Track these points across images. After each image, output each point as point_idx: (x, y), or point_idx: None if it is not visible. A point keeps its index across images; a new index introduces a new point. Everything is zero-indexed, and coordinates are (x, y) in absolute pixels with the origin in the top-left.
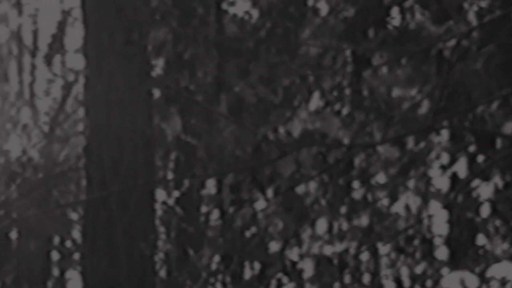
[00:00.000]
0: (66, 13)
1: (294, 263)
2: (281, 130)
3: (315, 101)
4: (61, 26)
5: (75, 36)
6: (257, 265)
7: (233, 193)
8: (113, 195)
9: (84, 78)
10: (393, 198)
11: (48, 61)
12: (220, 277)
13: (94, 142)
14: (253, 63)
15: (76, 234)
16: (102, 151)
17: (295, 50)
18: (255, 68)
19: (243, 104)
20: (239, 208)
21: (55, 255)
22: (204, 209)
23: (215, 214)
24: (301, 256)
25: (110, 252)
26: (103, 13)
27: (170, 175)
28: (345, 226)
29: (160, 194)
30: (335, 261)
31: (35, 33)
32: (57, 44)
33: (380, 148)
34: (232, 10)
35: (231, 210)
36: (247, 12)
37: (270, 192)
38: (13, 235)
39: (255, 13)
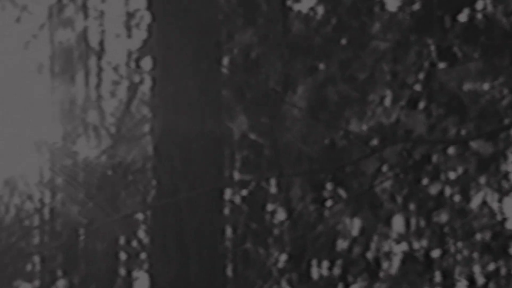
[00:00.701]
0: (131, 15)
1: (376, 262)
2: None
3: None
4: (127, 28)
5: (140, 37)
6: (326, 264)
7: (314, 191)
8: (183, 197)
9: (150, 79)
10: (469, 195)
11: (114, 63)
12: (288, 276)
13: (164, 143)
14: (323, 59)
15: (142, 234)
16: (172, 151)
17: (365, 46)
18: (326, 65)
19: (316, 101)
20: (320, 207)
21: (122, 255)
22: (270, 207)
23: (282, 213)
24: (380, 254)
25: (180, 252)
26: (171, 14)
27: (236, 175)
28: (422, 223)
29: (227, 192)
30: (413, 259)
31: (101, 36)
32: (122, 46)
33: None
34: (297, 7)
35: (300, 208)
36: (312, 9)
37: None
38: (81, 235)
39: (320, 10)
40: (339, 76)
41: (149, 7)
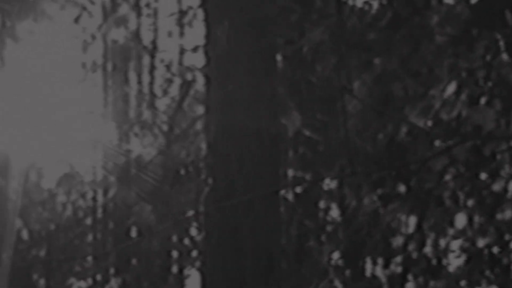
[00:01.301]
0: (184, 13)
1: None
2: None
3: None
4: (180, 26)
5: (192, 35)
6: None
7: (378, 188)
8: (238, 193)
9: (203, 77)
10: None
11: (167, 60)
12: (342, 274)
13: (219, 141)
14: (379, 54)
15: (193, 231)
16: (228, 149)
17: (422, 40)
18: (382, 60)
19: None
20: (385, 204)
21: (174, 253)
22: (323, 204)
23: (336, 210)
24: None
25: (235, 250)
26: (226, 11)
27: (291, 172)
28: (484, 220)
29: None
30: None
31: (154, 34)
32: (175, 43)
33: None
34: (351, 1)
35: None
36: (366, 3)
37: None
38: (133, 233)
39: (374, 4)
40: (398, 71)
41: (203, 5)
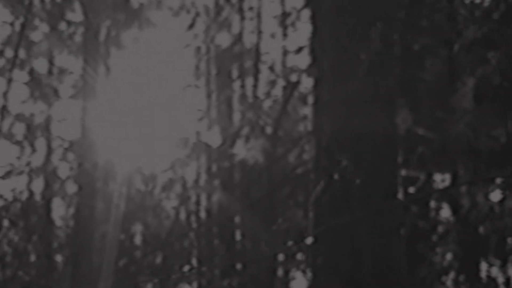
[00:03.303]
0: (287, 15)
1: None
2: None
3: None
4: (283, 27)
5: (295, 36)
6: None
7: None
8: (355, 197)
9: (310, 77)
10: None
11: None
12: (456, 275)
13: (334, 142)
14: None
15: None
16: (342, 151)
17: None
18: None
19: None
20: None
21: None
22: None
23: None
24: None
25: (353, 252)
26: (335, 10)
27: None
28: None
29: None
30: None
31: (257, 36)
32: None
33: None
34: None
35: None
36: None
37: None
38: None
39: None
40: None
41: (309, 5)
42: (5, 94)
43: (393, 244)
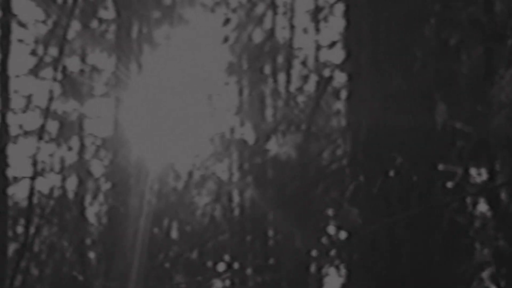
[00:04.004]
0: (320, 9)
1: None
2: None
3: None
4: (315, 22)
5: (328, 31)
6: None
7: None
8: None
9: (344, 72)
10: None
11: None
12: (493, 270)
13: (371, 136)
14: None
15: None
16: (381, 146)
17: None
18: None
19: None
20: None
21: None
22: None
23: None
24: None
25: (391, 248)
26: (372, 5)
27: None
28: None
29: None
30: None
31: (290, 32)
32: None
33: None
34: None
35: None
36: None
37: None
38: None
39: None
40: None
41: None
42: (50, 94)
43: (431, 239)
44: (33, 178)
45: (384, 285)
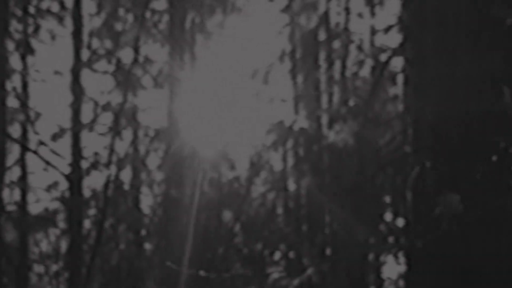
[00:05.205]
0: None
1: None
2: None
3: None
4: (370, 6)
5: (383, 15)
6: None
7: None
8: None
9: (401, 56)
10: None
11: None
12: None
13: (438, 122)
14: None
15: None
16: (448, 133)
17: None
18: None
19: None
20: None
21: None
22: None
23: None
24: None
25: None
26: None
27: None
28: None
29: None
30: None
31: (344, 17)
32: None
33: None
34: None
35: None
36: None
37: None
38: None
39: None
40: None
41: None
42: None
43: (505, 232)
44: (108, 168)
45: (450, 275)
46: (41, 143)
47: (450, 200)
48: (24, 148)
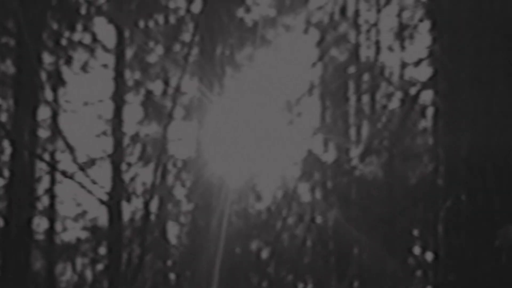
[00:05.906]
0: (404, 26)
1: None
2: None
3: None
4: (400, 40)
5: (413, 48)
6: None
7: None
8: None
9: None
10: None
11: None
12: None
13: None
14: None
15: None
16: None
17: None
18: None
19: None
20: None
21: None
22: None
23: None
24: None
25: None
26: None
27: None
28: None
29: None
30: None
31: (374, 50)
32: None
33: None
34: None
35: None
36: None
37: None
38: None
39: None
40: None
41: (431, 16)
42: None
43: None
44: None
45: None
46: (81, 168)
47: (506, 231)
48: (64, 175)
